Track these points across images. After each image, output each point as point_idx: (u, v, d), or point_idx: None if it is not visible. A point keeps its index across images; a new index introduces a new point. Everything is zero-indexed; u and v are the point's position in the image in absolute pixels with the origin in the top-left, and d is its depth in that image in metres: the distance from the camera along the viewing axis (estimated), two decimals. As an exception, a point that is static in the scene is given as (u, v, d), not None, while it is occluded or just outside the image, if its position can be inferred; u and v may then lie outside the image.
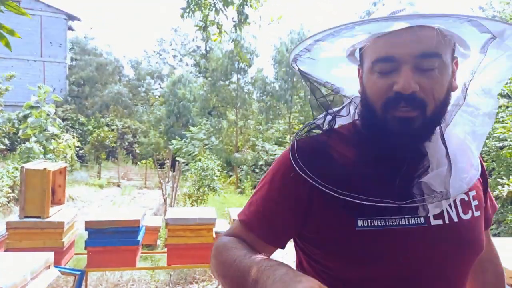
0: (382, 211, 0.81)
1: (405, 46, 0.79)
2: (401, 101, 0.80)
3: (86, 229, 3.55)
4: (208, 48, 24.41)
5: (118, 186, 18.88)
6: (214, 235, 4.00)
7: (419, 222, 0.84)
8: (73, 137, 16.74)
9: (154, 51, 43.25)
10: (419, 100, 0.79)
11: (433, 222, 0.85)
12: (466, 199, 0.91)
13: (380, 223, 0.82)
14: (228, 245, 0.89)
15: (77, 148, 21.00)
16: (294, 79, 19.33)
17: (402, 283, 0.83)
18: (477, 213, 0.91)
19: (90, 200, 13.22)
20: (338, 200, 0.80)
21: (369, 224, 0.82)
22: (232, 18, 3.44)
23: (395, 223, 0.83)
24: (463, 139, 0.91)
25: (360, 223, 0.82)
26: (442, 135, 0.83)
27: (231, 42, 3.55)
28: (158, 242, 6.50)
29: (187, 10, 3.28)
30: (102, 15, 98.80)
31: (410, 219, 0.83)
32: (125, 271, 4.64)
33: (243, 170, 20.21)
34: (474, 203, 0.92)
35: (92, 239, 3.53)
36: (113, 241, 3.51)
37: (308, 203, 0.86)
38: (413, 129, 0.81)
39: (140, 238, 3.73)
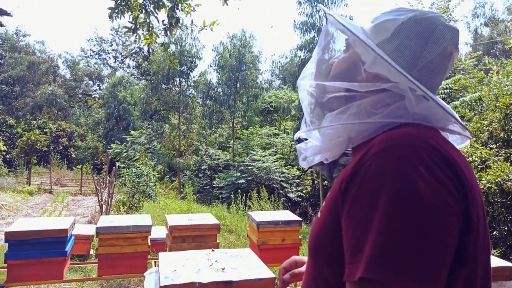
0: None
1: None
2: None
3: (6, 241, 3.28)
4: (150, 50, 23.84)
5: (50, 192, 17.73)
6: (149, 243, 3.88)
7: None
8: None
9: (93, 51, 41.36)
10: None
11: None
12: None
13: None
14: None
15: (4, 152, 19.47)
16: (238, 85, 19.42)
17: None
18: (320, 214, 0.86)
19: (17, 209, 12.26)
20: None
21: None
22: (163, 21, 3.35)
23: None
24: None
25: None
26: None
27: (161, 46, 3.45)
28: (92, 251, 6.18)
29: (116, 11, 3.15)
30: (36, 11, 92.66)
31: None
32: (52, 284, 4.35)
33: (186, 175, 19.88)
34: (323, 204, 0.86)
35: (12, 251, 3.26)
36: (37, 253, 3.28)
37: None
38: None
39: (68, 248, 3.52)
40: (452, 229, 0.66)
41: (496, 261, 2.56)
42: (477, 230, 0.71)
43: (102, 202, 9.37)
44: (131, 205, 10.11)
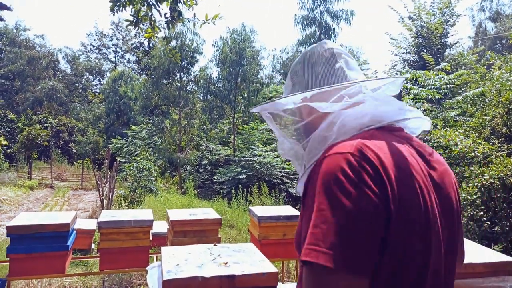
0: None
1: None
2: None
3: (8, 235, 3.27)
4: (151, 45, 23.74)
5: (51, 187, 17.76)
6: (151, 238, 3.87)
7: None
8: (0, 135, 15.50)
9: (94, 46, 41.24)
10: None
11: None
12: None
13: None
14: None
15: (5, 147, 19.47)
16: (238, 80, 19.36)
17: None
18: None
19: (18, 203, 12.28)
20: None
21: None
22: (165, 15, 3.32)
23: None
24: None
25: None
26: None
27: (163, 39, 3.44)
28: (93, 246, 6.19)
29: (118, 4, 3.12)
30: (36, 5, 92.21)
31: None
32: (53, 278, 4.35)
33: (186, 170, 19.89)
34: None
35: (15, 245, 3.26)
36: (39, 247, 3.27)
37: None
38: None
39: (70, 243, 3.52)
40: (373, 217, 0.78)
41: (498, 256, 2.55)
42: (405, 222, 0.81)
43: (103, 197, 9.38)
44: (132, 200, 10.12)
